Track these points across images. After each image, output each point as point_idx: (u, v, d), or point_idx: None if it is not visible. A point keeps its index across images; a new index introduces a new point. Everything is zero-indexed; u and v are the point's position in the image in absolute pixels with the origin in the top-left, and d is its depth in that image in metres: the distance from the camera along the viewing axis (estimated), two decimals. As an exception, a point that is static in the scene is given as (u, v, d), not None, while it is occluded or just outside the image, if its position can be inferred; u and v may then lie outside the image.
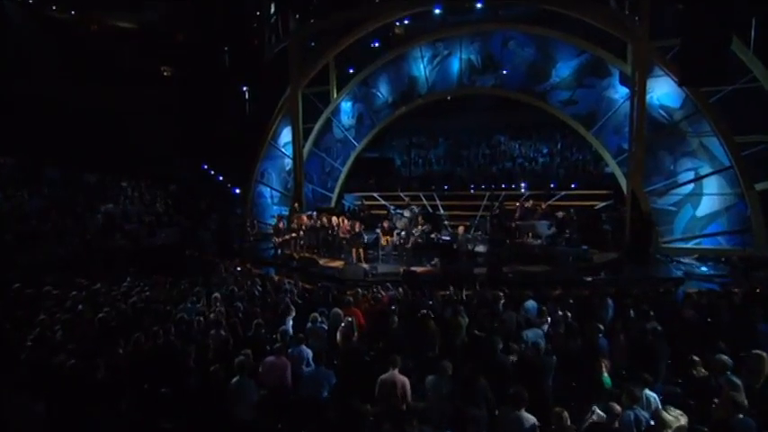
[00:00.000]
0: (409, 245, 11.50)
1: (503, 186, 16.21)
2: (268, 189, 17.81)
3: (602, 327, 6.05)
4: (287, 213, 15.23)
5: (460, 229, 11.38)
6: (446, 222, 13.65)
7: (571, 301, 7.68)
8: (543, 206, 12.52)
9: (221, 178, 20.17)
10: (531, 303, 7.47)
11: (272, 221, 14.49)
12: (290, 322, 7.12)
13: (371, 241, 12.23)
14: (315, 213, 13.59)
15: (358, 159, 17.47)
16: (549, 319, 6.63)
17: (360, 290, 8.29)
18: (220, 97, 18.80)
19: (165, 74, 17.66)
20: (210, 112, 18.43)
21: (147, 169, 18.12)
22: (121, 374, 5.32)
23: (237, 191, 19.10)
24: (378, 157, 21.59)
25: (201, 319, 7.11)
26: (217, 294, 8.14)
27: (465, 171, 21.21)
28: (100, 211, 14.88)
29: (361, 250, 11.61)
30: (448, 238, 11.56)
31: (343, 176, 17.35)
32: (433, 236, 11.70)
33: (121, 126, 16.84)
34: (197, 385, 5.43)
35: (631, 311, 6.88)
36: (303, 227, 13.10)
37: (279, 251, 13.29)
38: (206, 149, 19.09)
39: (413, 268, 10.61)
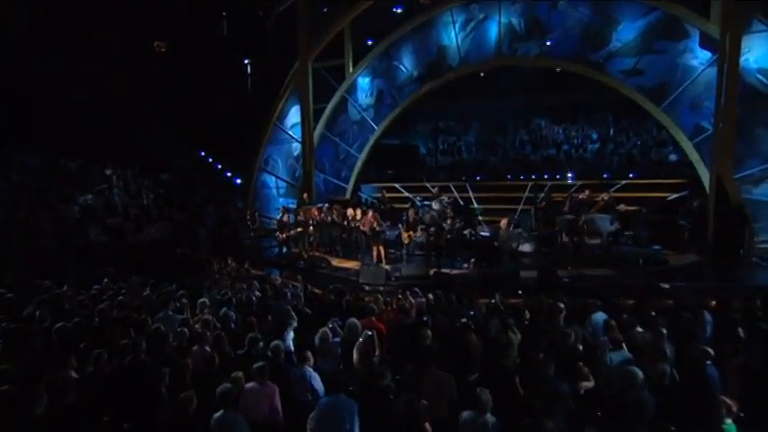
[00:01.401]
0: (440, 242, 10.96)
1: (545, 177, 15.67)
2: (273, 178, 17.66)
3: (710, 351, 4.84)
4: (294, 206, 15.02)
5: (503, 223, 10.68)
6: (480, 218, 13.00)
7: (653, 313, 6.47)
8: (606, 197, 11.41)
9: (220, 166, 20.11)
10: (599, 316, 6.51)
11: (278, 215, 14.10)
12: (291, 335, 6.41)
13: (393, 238, 11.90)
14: (326, 206, 13.24)
15: (377, 146, 17.28)
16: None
17: (380, 296, 7.63)
18: (218, 73, 18.42)
19: (156, 48, 17.00)
20: (207, 91, 18.07)
21: (135, 156, 17.81)
22: (70, 407, 4.33)
23: (239, 181, 18.94)
24: (400, 145, 21.63)
25: (186, 330, 6.31)
26: (204, 300, 7.42)
27: (500, 160, 21.12)
28: (78, 203, 14.55)
29: (381, 248, 11.17)
30: (487, 234, 11.07)
31: (359, 164, 17.12)
32: (466, 232, 11.23)
33: (106, 107, 16.46)
34: (169, 420, 4.43)
35: (740, 329, 5.78)
36: (312, 221, 12.71)
37: (284, 249, 12.99)
38: (203, 133, 18.76)
39: (444, 270, 10.02)
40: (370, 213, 11.58)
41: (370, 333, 5.74)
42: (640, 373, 4.23)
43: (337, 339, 6.09)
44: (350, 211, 12.25)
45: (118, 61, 16.86)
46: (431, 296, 7.63)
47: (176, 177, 18.89)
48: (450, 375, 4.77)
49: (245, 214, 15.74)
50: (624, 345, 5.39)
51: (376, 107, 16.76)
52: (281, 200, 17.17)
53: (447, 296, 7.57)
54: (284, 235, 12.81)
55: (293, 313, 6.75)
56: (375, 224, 11.27)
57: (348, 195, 16.73)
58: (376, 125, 16.77)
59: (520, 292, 8.18)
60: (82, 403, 4.50)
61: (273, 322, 6.71)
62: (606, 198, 11.57)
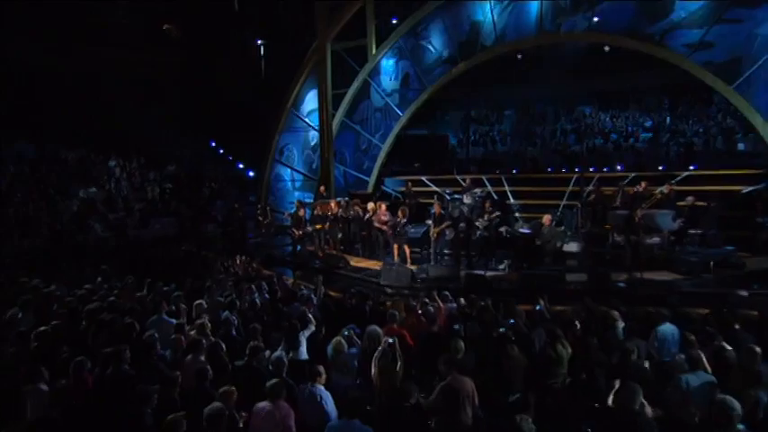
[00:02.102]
0: (472, 240, 10.69)
1: (590, 170, 14.91)
2: (288, 170, 17.41)
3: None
4: (310, 200, 14.76)
5: (546, 219, 10.18)
6: (517, 214, 12.77)
7: (737, 326, 5.83)
8: (665, 190, 10.67)
9: (231, 158, 20.13)
10: (668, 328, 5.99)
11: (292, 210, 13.86)
12: (305, 345, 6.10)
13: (420, 236, 11.55)
14: (346, 200, 13.07)
15: (402, 135, 16.99)
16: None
17: (403, 300, 7.36)
18: (229, 56, 18.30)
19: (166, 31, 16.87)
20: (217, 76, 18.09)
21: (140, 146, 17.88)
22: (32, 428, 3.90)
23: (252, 174, 18.79)
24: (427, 135, 21.88)
25: (182, 337, 5.99)
26: (201, 302, 7.13)
27: (539, 151, 21.17)
28: (77, 196, 14.52)
29: (405, 247, 10.96)
30: (527, 231, 10.65)
31: (382, 155, 16.82)
32: (502, 229, 10.89)
33: (109, 94, 16.53)
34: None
35: None
36: (330, 216, 12.41)
37: (298, 247, 12.75)
38: (213, 122, 18.67)
39: (477, 272, 9.77)
40: (383, 207, 11.36)
41: (391, 341, 5.40)
42: (738, 406, 3.50)
43: (354, 350, 5.79)
44: (370, 206, 11.90)
45: (123, 45, 16.92)
46: (462, 301, 7.40)
47: (184, 169, 18.85)
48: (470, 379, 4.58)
49: (256, 209, 15.61)
50: (705, 364, 4.64)
51: (401, 92, 16.44)
52: (296, 194, 16.90)
53: (481, 301, 7.22)
54: (299, 232, 12.51)
55: (310, 317, 6.45)
56: (388, 219, 11.05)
57: (370, 189, 16.41)
58: (401, 112, 16.46)
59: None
60: (47, 426, 4.00)
61: (283, 329, 6.33)
62: (666, 191, 10.79)
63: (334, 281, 10.23)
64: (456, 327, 6.23)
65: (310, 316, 6.51)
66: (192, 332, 6.30)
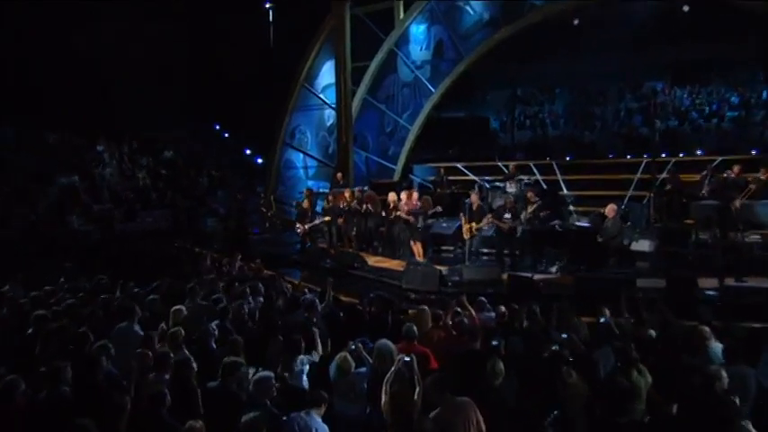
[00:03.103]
0: (517, 234, 10.48)
1: (662, 156, 14.63)
2: (300, 156, 17.40)
3: None
4: (326, 190, 14.80)
5: (609, 210, 9.88)
6: (571, 207, 12.76)
7: None
8: (765, 176, 10.11)
9: (235, 142, 20.37)
10: None
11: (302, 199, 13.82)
12: (306, 364, 5.71)
13: (452, 232, 11.63)
14: (364, 189, 13.17)
15: (435, 119, 17.11)
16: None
17: (427, 308, 6.75)
18: (235, 23, 18.07)
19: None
20: (221, 46, 17.97)
21: (133, 128, 17.96)
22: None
23: (260, 160, 18.97)
24: (465, 117, 21.87)
25: (149, 353, 5.50)
26: (180, 308, 6.77)
27: (598, 135, 21.00)
28: (59, 183, 14.53)
29: (418, 244, 11.07)
30: (586, 224, 10.61)
31: (411, 139, 16.77)
32: (555, 224, 10.81)
33: (98, 69, 16.54)
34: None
35: None
36: (345, 207, 12.39)
37: (308, 244, 12.73)
38: (217, 102, 18.66)
39: (523, 274, 9.49)
40: (414, 195, 11.39)
41: (408, 359, 4.95)
42: None
43: (363, 370, 5.42)
44: (392, 196, 11.70)
45: (118, 18, 16.93)
46: (503, 309, 6.91)
47: (183, 155, 18.92)
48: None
49: (259, 200, 15.76)
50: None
51: (434, 63, 16.28)
52: (309, 183, 16.80)
53: (529, 310, 6.83)
54: (306, 226, 12.41)
55: (315, 331, 6.18)
56: (410, 208, 11.08)
57: (396, 178, 16.29)
58: (433, 88, 16.28)
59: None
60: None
61: (280, 343, 6.00)
62: (763, 177, 10.20)
63: (347, 283, 10.11)
64: (494, 343, 5.68)
65: (318, 338, 6.16)
66: (162, 346, 5.88)
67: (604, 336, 6.11)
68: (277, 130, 16.86)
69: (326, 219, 12.46)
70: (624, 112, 20.81)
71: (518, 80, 21.85)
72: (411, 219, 11.12)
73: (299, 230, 12.62)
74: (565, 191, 14.04)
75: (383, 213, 12.01)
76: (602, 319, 6.46)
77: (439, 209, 11.30)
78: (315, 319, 6.82)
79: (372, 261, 11.49)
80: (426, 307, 6.82)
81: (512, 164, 13.52)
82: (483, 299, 7.34)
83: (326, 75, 16.56)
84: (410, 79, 16.58)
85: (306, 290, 8.71)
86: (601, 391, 4.94)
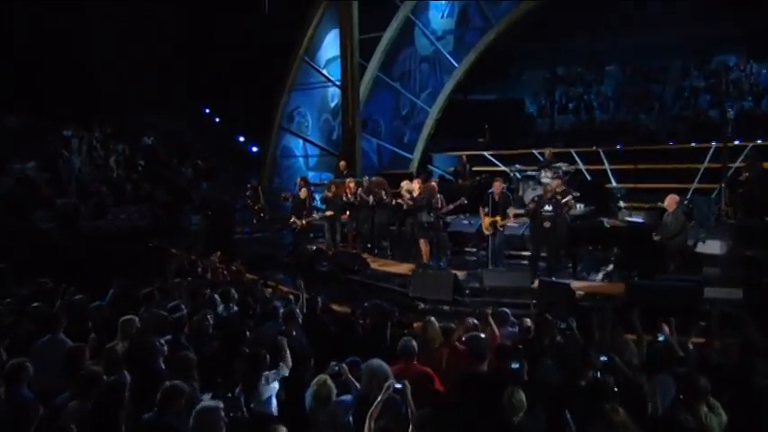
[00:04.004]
0: (553, 233, 10.18)
1: (736, 142, 14.40)
2: (300, 142, 17.50)
3: None
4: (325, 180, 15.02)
5: (670, 201, 9.55)
6: (621, 204, 12.69)
7: None
8: None
9: (224, 127, 20.14)
10: None
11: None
12: (274, 388, 5.59)
13: (474, 231, 11.68)
14: (370, 179, 13.05)
15: (459, 102, 17.47)
16: None
17: (434, 320, 6.57)
18: None
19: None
20: (211, 16, 17.83)
21: (106, 111, 17.68)
22: None
23: (255, 149, 18.95)
24: (496, 100, 21.81)
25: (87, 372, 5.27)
26: (132, 318, 6.60)
27: (656, 118, 20.63)
28: (15, 172, 14.46)
29: (422, 242, 10.96)
30: (639, 220, 10.59)
31: (430, 123, 17.00)
32: (602, 221, 10.72)
33: (68, 43, 16.26)
34: None
35: None
36: (350, 199, 12.33)
37: (301, 244, 12.77)
38: (207, 81, 18.36)
39: (558, 280, 9.38)
40: (420, 186, 11.30)
41: (399, 386, 4.81)
42: None
43: (348, 399, 5.24)
44: (405, 185, 11.60)
45: None
46: (528, 323, 6.76)
47: (165, 142, 18.83)
48: None
49: (246, 192, 15.93)
50: None
51: (457, 34, 16.44)
52: (311, 174, 16.84)
53: (563, 324, 6.65)
54: (302, 221, 12.35)
55: (285, 351, 5.97)
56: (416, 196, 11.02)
57: (413, 169, 16.27)
58: (456, 62, 16.41)
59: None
60: None
61: (244, 363, 5.75)
62: None
63: (346, 290, 10.30)
64: (514, 366, 5.29)
65: (286, 348, 5.98)
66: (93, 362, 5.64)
67: (663, 359, 5.71)
68: (272, 113, 16.90)
69: (328, 213, 12.46)
70: (689, 91, 20.49)
71: (559, 57, 21.77)
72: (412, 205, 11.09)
73: (294, 226, 12.59)
74: (614, 183, 13.97)
75: (393, 203, 11.97)
76: (659, 338, 6.12)
77: (464, 201, 11.00)
78: (294, 333, 6.64)
79: (378, 264, 11.53)
80: (433, 319, 6.67)
81: (548, 149, 13.33)
82: (506, 310, 7.13)
83: (330, 46, 16.53)
84: (429, 53, 16.72)
85: (290, 296, 8.51)
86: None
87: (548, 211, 10.13)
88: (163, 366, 5.73)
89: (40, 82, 15.76)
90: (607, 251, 10.51)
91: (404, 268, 11.01)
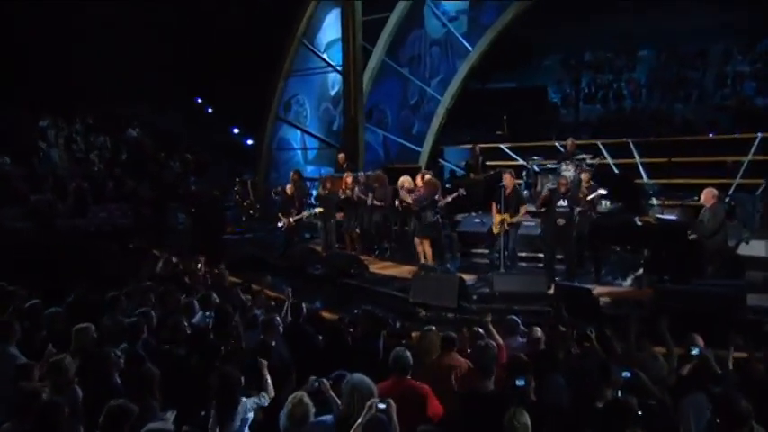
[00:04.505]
0: (568, 230, 10.12)
1: None
2: (298, 133, 17.48)
3: None
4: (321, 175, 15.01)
5: (707, 195, 9.33)
6: (654, 201, 12.56)
7: None
8: None
9: (217, 118, 20.28)
10: None
11: None
12: (249, 411, 5.40)
13: (488, 230, 11.31)
14: (368, 173, 13.11)
15: (476, 90, 17.64)
16: None
17: (434, 329, 6.45)
18: None
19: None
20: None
21: (88, 100, 17.70)
22: None
23: (251, 142, 19.08)
24: (515, 89, 21.88)
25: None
26: (88, 326, 6.36)
27: (694, 107, 20.48)
28: None
29: (426, 243, 10.89)
30: (673, 218, 10.50)
31: (441, 113, 16.77)
32: (638, 219, 10.40)
33: (47, 28, 16.33)
34: None
35: None
36: (346, 196, 12.33)
37: (294, 245, 12.76)
38: (198, 69, 18.47)
39: (577, 284, 9.32)
40: (427, 177, 11.25)
41: (383, 406, 4.65)
42: None
43: (328, 419, 5.08)
44: (405, 180, 11.42)
45: None
46: (539, 334, 6.50)
47: (152, 135, 18.81)
48: None
49: (233, 187, 15.95)
50: None
51: (471, 14, 16.16)
52: (310, 168, 16.86)
53: (579, 336, 6.49)
54: (291, 219, 12.34)
55: (267, 380, 5.87)
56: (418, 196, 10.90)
57: (422, 164, 16.11)
58: (470, 45, 16.10)
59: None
60: None
61: (216, 383, 5.52)
62: None
63: (340, 295, 10.29)
64: (519, 382, 5.09)
65: (268, 378, 5.85)
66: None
67: (696, 376, 5.69)
68: (268, 101, 16.75)
69: (318, 210, 12.48)
70: (732, 77, 20.33)
71: (586, 41, 21.58)
72: (414, 206, 11.02)
73: (281, 225, 12.62)
74: (645, 179, 13.87)
75: (396, 203, 11.87)
76: (692, 351, 5.94)
77: (462, 192, 10.92)
78: (273, 344, 6.52)
79: (377, 267, 11.46)
80: (434, 328, 6.51)
81: (569, 140, 13.18)
82: (515, 318, 6.97)
83: (331, 28, 16.52)
84: (440, 35, 16.52)
85: (273, 302, 8.65)
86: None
87: (562, 207, 10.01)
88: (118, 381, 5.58)
89: (14, 68, 15.77)
90: (636, 253, 10.37)
91: (405, 271, 10.96)
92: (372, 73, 16.19)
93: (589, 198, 10.30)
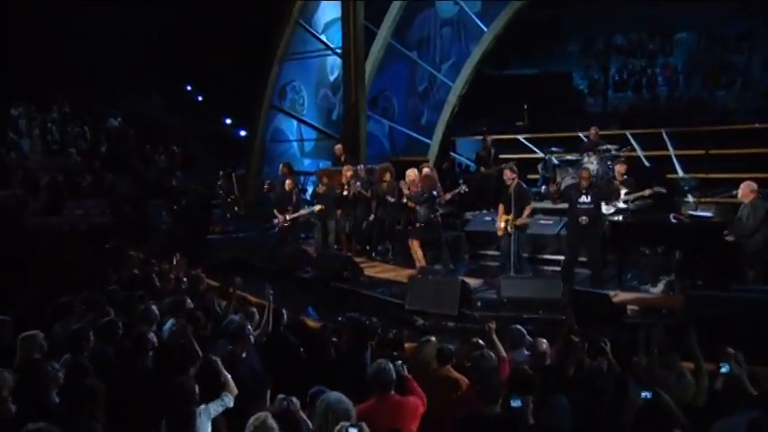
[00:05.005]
0: (593, 229, 9.98)
1: None
2: (294, 124, 17.49)
3: None
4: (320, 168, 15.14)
5: (746, 189, 9.14)
6: (690, 198, 12.46)
7: None
8: None
9: (209, 107, 20.24)
10: None
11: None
12: (209, 417, 5.36)
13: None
14: (369, 167, 13.12)
15: (492, 76, 18.11)
16: None
17: (434, 339, 6.49)
18: None
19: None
20: None
21: (66, 86, 17.45)
22: None
23: (244, 133, 19.10)
24: (538, 75, 22.07)
25: None
26: (35, 334, 6.29)
27: (738, 95, 20.50)
28: None
29: (415, 243, 10.86)
30: (707, 214, 10.53)
31: (453, 100, 17.02)
32: (670, 216, 10.30)
33: (22, 8, 16.38)
34: None
35: None
36: (343, 192, 12.31)
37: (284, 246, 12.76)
38: (188, 53, 18.47)
39: (594, 290, 9.22)
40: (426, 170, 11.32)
41: (354, 430, 4.48)
42: None
43: None
44: (410, 174, 11.38)
45: None
46: (544, 347, 6.33)
47: (136, 125, 18.68)
48: None
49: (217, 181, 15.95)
50: None
51: None
52: (307, 161, 17.02)
53: (591, 348, 6.23)
54: (287, 216, 12.34)
55: (225, 377, 5.70)
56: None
57: (431, 157, 16.22)
58: (485, 26, 16.32)
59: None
60: None
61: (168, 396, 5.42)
62: None
63: (330, 301, 10.25)
64: (514, 404, 4.89)
65: (226, 375, 5.70)
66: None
67: (729, 398, 5.36)
68: (261, 88, 16.70)
69: (317, 208, 12.35)
70: None
71: (618, 23, 21.60)
72: (411, 202, 11.01)
73: (277, 223, 12.62)
74: (680, 173, 13.84)
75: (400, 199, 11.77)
76: (723, 368, 5.64)
77: (464, 188, 10.81)
78: (244, 355, 6.32)
79: (374, 270, 11.38)
80: (433, 338, 6.45)
81: (593, 129, 13.03)
82: (519, 328, 6.74)
83: (330, 7, 16.50)
84: (452, 14, 16.70)
85: (253, 308, 8.13)
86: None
87: (584, 204, 9.79)
88: (56, 398, 5.40)
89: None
90: (668, 255, 10.02)
91: (405, 275, 10.80)
92: (377, 57, 16.14)
93: (629, 196, 10.20)
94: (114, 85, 18.35)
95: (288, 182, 12.63)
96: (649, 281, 9.92)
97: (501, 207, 10.39)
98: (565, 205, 11.09)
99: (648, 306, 8.94)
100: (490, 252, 11.52)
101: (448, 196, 11.00)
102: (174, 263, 10.77)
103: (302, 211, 12.49)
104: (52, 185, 14.90)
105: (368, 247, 12.51)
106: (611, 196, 10.37)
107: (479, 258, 11.61)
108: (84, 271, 11.13)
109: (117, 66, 17.81)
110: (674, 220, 10.14)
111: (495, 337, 6.42)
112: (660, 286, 9.74)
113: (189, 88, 20.39)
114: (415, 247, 10.85)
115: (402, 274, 10.97)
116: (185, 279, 10.03)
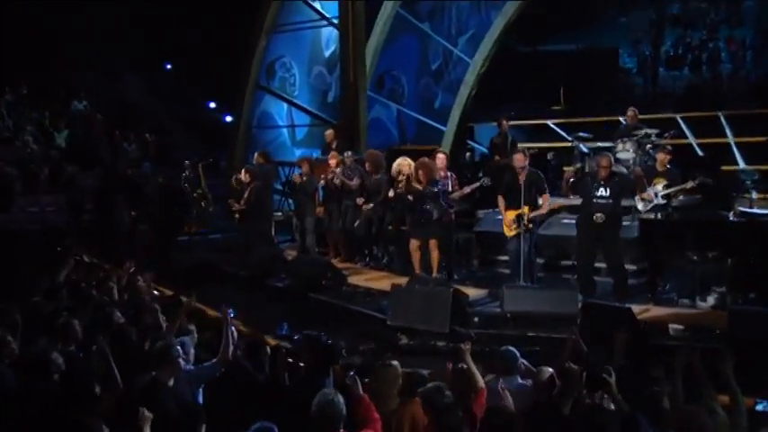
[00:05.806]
0: (616, 229, 9.83)
1: None
2: (284, 107, 17.66)
3: None
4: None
5: None
6: (754, 194, 12.41)
7: None
8: None
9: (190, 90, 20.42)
10: None
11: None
12: None
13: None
14: (356, 156, 13.00)
15: (519, 53, 18.89)
16: None
17: (396, 364, 6.23)
18: None
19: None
20: None
21: (22, 65, 17.73)
22: None
23: (229, 118, 19.28)
24: (578, 51, 22.16)
25: None
26: None
27: None
28: None
29: (416, 250, 10.86)
30: (764, 211, 10.75)
31: (471, 80, 17.01)
32: (728, 215, 10.83)
33: None
34: None
35: None
36: (334, 182, 12.22)
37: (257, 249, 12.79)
38: (167, 29, 18.89)
39: (613, 303, 9.14)
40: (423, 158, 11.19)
41: None
42: None
43: None
44: (404, 163, 11.18)
45: None
46: (547, 374, 6.07)
47: (104, 109, 18.78)
48: None
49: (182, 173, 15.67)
50: None
51: None
52: (298, 151, 17.09)
53: (594, 378, 5.83)
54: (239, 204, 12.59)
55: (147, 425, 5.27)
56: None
57: (447, 147, 15.95)
58: None
59: None
60: None
61: None
62: None
63: (302, 314, 9.99)
64: None
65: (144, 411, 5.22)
66: None
67: None
68: (245, 66, 16.69)
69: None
70: None
71: None
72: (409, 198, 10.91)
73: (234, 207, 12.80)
74: (741, 164, 14.01)
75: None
76: (758, 407, 5.70)
77: (486, 181, 10.75)
78: (171, 382, 5.94)
79: (362, 277, 11.35)
80: (395, 363, 6.06)
81: (630, 110, 12.91)
82: (512, 350, 6.43)
83: None
84: None
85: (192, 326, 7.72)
86: None
87: (602, 198, 9.51)
88: None
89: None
90: (719, 262, 9.56)
91: (398, 283, 10.41)
92: (383, 29, 16.25)
93: (669, 189, 9.96)
94: (79, 65, 18.57)
95: (246, 174, 12.46)
96: (696, 293, 9.50)
97: (501, 202, 10.13)
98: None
99: (683, 324, 8.54)
100: (503, 258, 11.16)
101: (467, 190, 10.83)
102: (123, 268, 10.29)
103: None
104: (2, 179, 14.96)
105: (366, 252, 12.39)
106: (636, 189, 10.10)
107: (492, 264, 11.44)
108: (24, 279, 10.82)
109: (83, 42, 17.90)
110: (733, 219, 10.21)
111: (469, 359, 5.97)
112: (711, 300, 9.37)
113: (169, 67, 20.61)
114: (418, 250, 10.81)
115: (396, 282, 10.63)
116: (126, 288, 9.72)
